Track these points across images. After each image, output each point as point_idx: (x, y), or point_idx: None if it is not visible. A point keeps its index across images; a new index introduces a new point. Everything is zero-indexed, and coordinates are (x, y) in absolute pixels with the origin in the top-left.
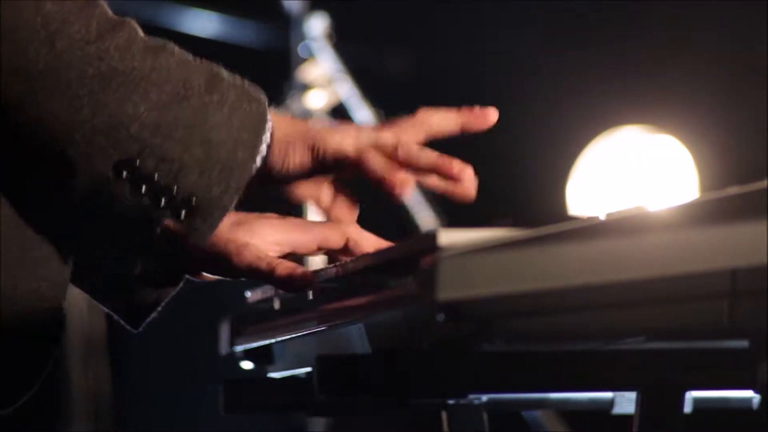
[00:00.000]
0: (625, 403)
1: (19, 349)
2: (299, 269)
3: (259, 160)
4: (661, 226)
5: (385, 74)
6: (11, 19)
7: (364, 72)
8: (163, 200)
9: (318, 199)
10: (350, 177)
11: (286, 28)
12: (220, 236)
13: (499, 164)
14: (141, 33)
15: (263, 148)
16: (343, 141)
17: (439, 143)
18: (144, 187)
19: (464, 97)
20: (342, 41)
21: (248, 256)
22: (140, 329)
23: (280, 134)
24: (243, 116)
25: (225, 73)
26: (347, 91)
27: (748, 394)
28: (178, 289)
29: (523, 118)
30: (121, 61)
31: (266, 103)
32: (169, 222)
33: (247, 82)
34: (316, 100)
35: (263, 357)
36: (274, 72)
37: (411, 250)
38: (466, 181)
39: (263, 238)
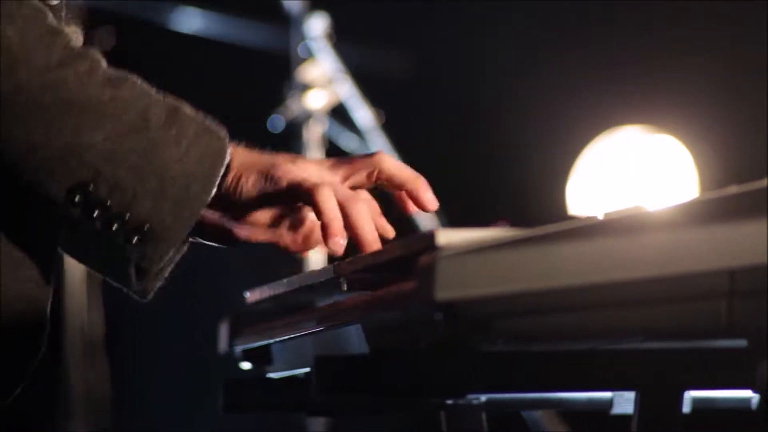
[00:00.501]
0: (624, 403)
1: (4, 350)
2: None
3: (213, 192)
4: (661, 226)
5: (385, 74)
6: None
7: (364, 72)
8: (115, 226)
9: (275, 234)
10: (300, 209)
11: (286, 28)
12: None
13: (499, 164)
14: (104, 64)
15: (218, 182)
16: (299, 170)
17: (439, 143)
18: (96, 212)
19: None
20: (342, 41)
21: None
22: (148, 298)
23: (236, 163)
24: (201, 151)
25: (187, 109)
26: (347, 91)
27: (746, 394)
28: (183, 253)
29: (523, 118)
30: (80, 90)
31: (226, 139)
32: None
33: (207, 119)
34: (316, 100)
35: (262, 357)
36: (274, 72)
37: (410, 250)
38: (431, 202)
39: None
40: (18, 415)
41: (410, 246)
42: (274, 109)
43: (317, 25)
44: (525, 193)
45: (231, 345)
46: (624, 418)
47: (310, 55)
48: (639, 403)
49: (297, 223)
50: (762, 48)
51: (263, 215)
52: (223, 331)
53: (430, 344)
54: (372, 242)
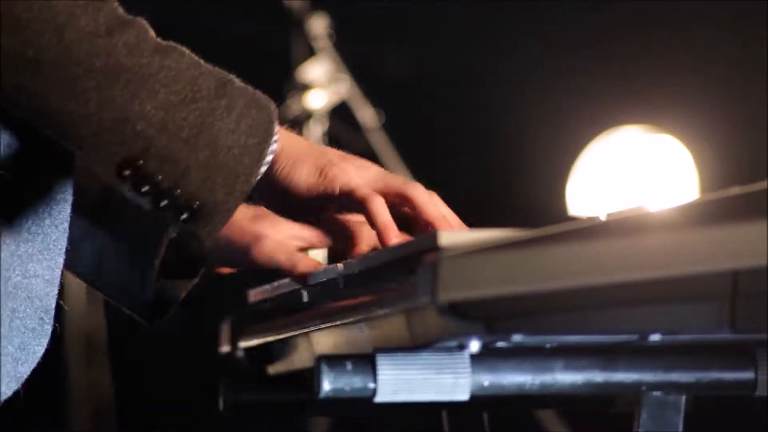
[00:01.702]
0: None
1: (9, 346)
2: (318, 266)
3: (264, 168)
4: (662, 226)
5: (385, 74)
6: (21, 10)
7: (364, 72)
8: (164, 202)
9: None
10: (347, 213)
11: (286, 28)
12: (238, 228)
13: (500, 164)
14: (152, 33)
15: (269, 158)
16: (355, 176)
17: (439, 143)
18: (146, 188)
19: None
20: (342, 41)
21: (266, 248)
22: (153, 323)
23: (291, 149)
24: (251, 122)
25: (236, 80)
26: (347, 91)
27: (748, 394)
28: (195, 281)
29: (524, 118)
30: (130, 58)
31: (275, 113)
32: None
33: (257, 91)
34: (316, 100)
35: (263, 356)
36: (274, 72)
37: (411, 250)
38: None
39: (281, 232)
40: (18, 415)
41: (412, 246)
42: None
43: (318, 25)
44: (525, 193)
45: (232, 344)
46: (624, 418)
47: (310, 55)
48: (640, 403)
49: (337, 226)
50: (762, 48)
51: (306, 210)
52: (224, 330)
53: (432, 344)
54: (441, 219)
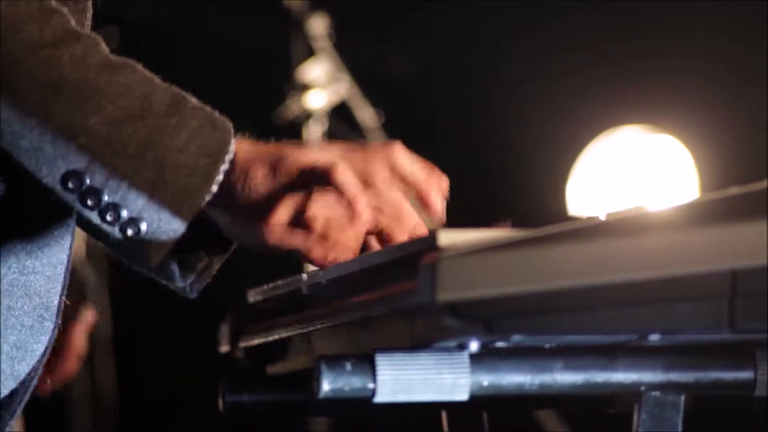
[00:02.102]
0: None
1: (5, 345)
2: (332, 254)
3: (215, 188)
4: (661, 226)
5: (385, 74)
6: None
7: (364, 72)
8: (109, 217)
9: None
10: (317, 192)
11: (286, 28)
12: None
13: (500, 164)
14: (104, 47)
15: (221, 177)
16: (309, 155)
17: (439, 143)
18: (90, 201)
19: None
20: (342, 41)
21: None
22: (195, 294)
23: (240, 157)
24: (202, 143)
25: (192, 99)
26: (347, 91)
27: (747, 394)
28: (228, 254)
29: (524, 118)
30: (74, 71)
31: (231, 132)
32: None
33: (215, 112)
34: (316, 100)
35: (263, 356)
36: (274, 72)
37: (411, 250)
38: (437, 211)
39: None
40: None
41: (412, 246)
42: (274, 109)
43: (318, 25)
44: (525, 193)
45: (232, 344)
46: (624, 418)
47: (310, 55)
48: (640, 403)
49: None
50: (762, 48)
51: (281, 214)
52: (224, 330)
53: (432, 344)
54: (431, 197)
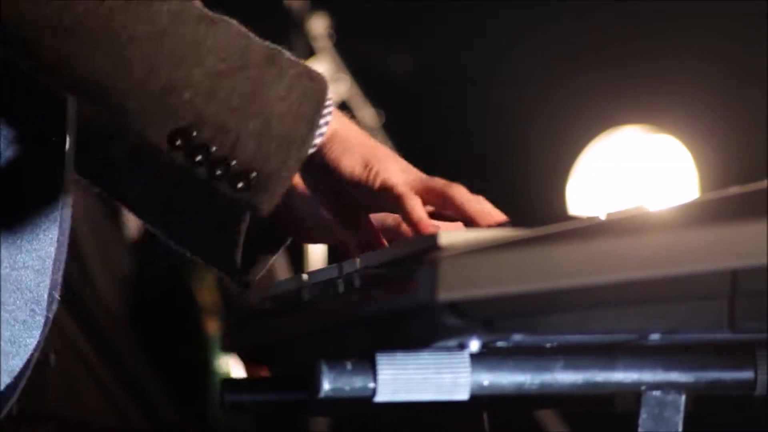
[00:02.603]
0: None
1: (3, 340)
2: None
3: (318, 139)
4: (661, 226)
5: (385, 74)
6: None
7: (364, 72)
8: (218, 171)
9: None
10: (382, 211)
11: (286, 28)
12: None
13: (500, 164)
14: (198, 2)
15: (323, 129)
16: (397, 174)
17: (439, 143)
18: (199, 157)
19: (464, 97)
20: (342, 41)
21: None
22: (249, 286)
23: (344, 133)
24: (302, 91)
25: (286, 52)
26: (347, 91)
27: (748, 394)
28: (284, 246)
29: (524, 118)
30: (174, 25)
31: (327, 83)
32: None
33: (308, 64)
34: None
35: (263, 356)
36: None
37: (411, 250)
38: None
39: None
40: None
41: (412, 246)
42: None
43: (318, 25)
44: (525, 193)
45: (232, 344)
46: (624, 418)
47: (310, 54)
48: (640, 403)
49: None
50: (762, 48)
51: (343, 199)
52: (225, 330)
53: (432, 344)
54: (485, 214)
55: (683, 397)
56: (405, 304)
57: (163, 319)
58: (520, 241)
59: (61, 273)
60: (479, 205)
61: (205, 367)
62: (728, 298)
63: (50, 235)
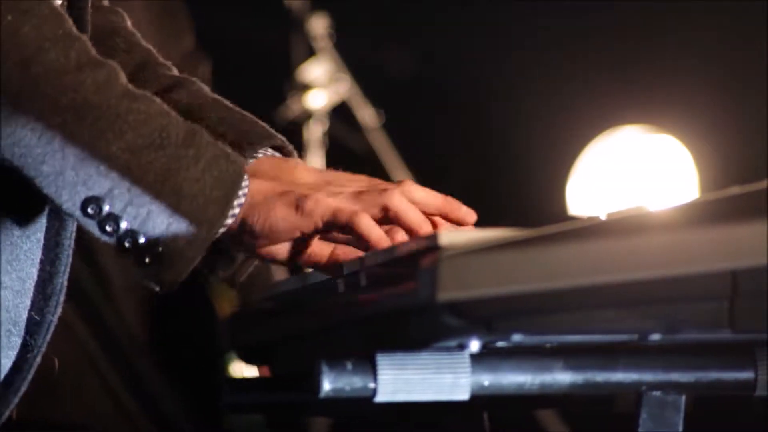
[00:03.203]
0: None
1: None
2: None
3: (230, 220)
4: (661, 226)
5: (386, 74)
6: None
7: (364, 72)
8: (127, 243)
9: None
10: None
11: (286, 28)
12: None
13: (500, 164)
14: (123, 76)
15: (236, 210)
16: (332, 202)
17: (439, 143)
18: (109, 227)
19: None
20: (342, 41)
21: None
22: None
23: (259, 195)
24: (217, 174)
25: (205, 133)
26: (347, 91)
27: (748, 394)
28: (174, 287)
29: (524, 118)
30: (98, 96)
31: (244, 166)
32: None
33: (227, 146)
34: (316, 100)
35: (263, 356)
36: (274, 72)
37: (411, 250)
38: (470, 218)
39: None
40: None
41: (412, 246)
42: (274, 109)
43: (318, 25)
44: (525, 193)
45: (232, 344)
46: (624, 418)
47: (310, 54)
48: (640, 403)
49: (321, 248)
50: (762, 48)
51: (288, 244)
52: (224, 330)
53: (432, 344)
54: (422, 223)
55: (683, 397)
56: (405, 304)
57: (182, 332)
58: (520, 241)
59: (53, 293)
60: (415, 214)
61: (222, 379)
62: (728, 298)
63: (33, 258)
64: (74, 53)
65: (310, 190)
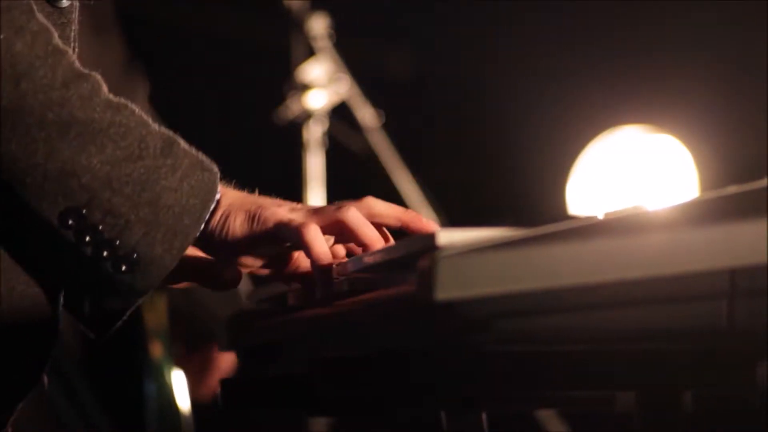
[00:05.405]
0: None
1: (14, 354)
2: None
3: (202, 226)
4: (661, 226)
5: (385, 74)
6: None
7: (364, 72)
8: (105, 252)
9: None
10: (288, 249)
11: (286, 28)
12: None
13: (500, 164)
14: (105, 88)
15: (208, 214)
16: (287, 213)
17: (439, 143)
18: (88, 238)
19: (464, 97)
20: (342, 41)
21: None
22: (102, 338)
23: (225, 202)
24: (194, 183)
25: (182, 142)
26: (347, 91)
27: (747, 394)
28: (145, 297)
29: (524, 118)
30: (82, 111)
31: (218, 175)
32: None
33: (201, 154)
34: (316, 100)
35: (263, 356)
36: (274, 72)
37: (410, 250)
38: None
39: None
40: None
41: (410, 246)
42: (274, 109)
43: (318, 25)
44: (525, 193)
45: (232, 344)
46: (625, 418)
47: (310, 55)
48: (640, 403)
49: (282, 260)
50: (762, 48)
51: (249, 258)
52: (224, 330)
53: (431, 344)
54: (376, 240)
55: (683, 398)
56: (403, 304)
57: (109, 344)
58: (520, 241)
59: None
60: (369, 230)
61: (146, 391)
62: (728, 298)
63: None
64: (61, 70)
65: (271, 204)
